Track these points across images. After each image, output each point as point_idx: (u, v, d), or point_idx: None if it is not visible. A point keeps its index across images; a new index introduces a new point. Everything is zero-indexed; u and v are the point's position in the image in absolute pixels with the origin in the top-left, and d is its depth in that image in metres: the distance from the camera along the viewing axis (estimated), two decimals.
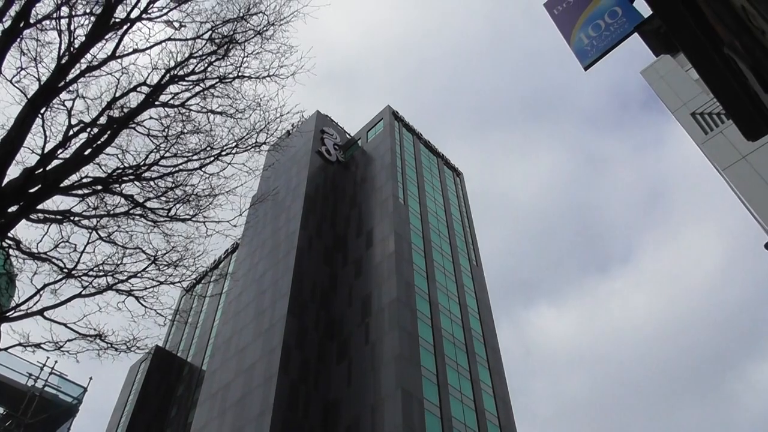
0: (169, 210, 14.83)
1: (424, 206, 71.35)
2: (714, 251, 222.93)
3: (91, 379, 35.13)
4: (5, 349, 12.91)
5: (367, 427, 47.55)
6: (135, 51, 16.12)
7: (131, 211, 15.09)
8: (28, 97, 13.42)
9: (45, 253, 13.28)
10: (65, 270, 13.67)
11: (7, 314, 12.39)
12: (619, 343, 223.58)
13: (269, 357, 54.01)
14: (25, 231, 25.67)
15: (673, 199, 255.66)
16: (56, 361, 30.68)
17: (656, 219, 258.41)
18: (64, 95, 14.77)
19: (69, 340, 13.53)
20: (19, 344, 12.82)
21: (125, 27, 15.70)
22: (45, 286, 13.10)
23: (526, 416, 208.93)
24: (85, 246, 13.71)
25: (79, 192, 14.00)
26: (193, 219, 15.95)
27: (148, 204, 14.81)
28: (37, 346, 13.05)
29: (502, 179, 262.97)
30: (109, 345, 14.26)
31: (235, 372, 57.38)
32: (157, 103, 15.87)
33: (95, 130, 14.91)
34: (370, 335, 54.56)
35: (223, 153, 15.91)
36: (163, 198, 14.93)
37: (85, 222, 14.82)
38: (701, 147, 22.21)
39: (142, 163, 14.29)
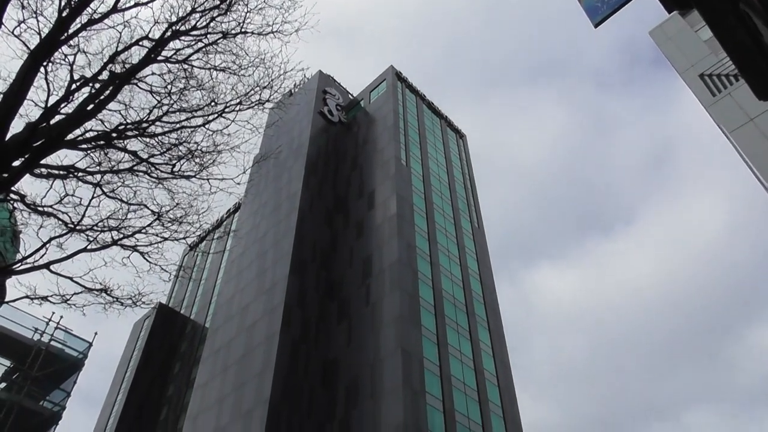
0: (173, 166, 14.79)
1: (426, 168, 71.14)
2: (718, 215, 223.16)
3: (96, 334, 35.63)
4: (12, 302, 13.04)
5: (366, 386, 48.40)
6: (136, 4, 15.84)
7: (135, 168, 15.06)
8: (30, 49, 13.24)
9: (51, 206, 13.29)
10: (70, 225, 13.70)
11: (14, 267, 12.47)
12: (618, 305, 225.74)
13: (270, 316, 54.65)
14: (30, 187, 25.67)
15: (678, 161, 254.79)
16: (61, 316, 31.08)
17: (661, 181, 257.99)
18: (65, 49, 14.59)
19: (75, 294, 13.67)
20: (26, 297, 12.96)
21: None
22: (51, 239, 13.16)
23: (525, 376, 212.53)
24: (90, 201, 13.73)
25: (84, 146, 13.93)
26: (197, 176, 15.93)
27: (152, 160, 14.76)
28: (44, 298, 13.17)
29: (507, 140, 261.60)
30: (115, 299, 14.41)
31: (237, 330, 58.16)
32: (159, 58, 15.67)
33: (97, 85, 14.77)
34: (370, 296, 55.07)
35: (227, 110, 15.78)
36: (167, 155, 14.88)
37: (89, 178, 14.81)
38: (708, 109, 21.98)
39: (145, 119, 14.16)
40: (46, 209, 13.57)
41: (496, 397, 54.26)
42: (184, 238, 15.51)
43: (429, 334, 52.06)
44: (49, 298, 13.15)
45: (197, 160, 15.59)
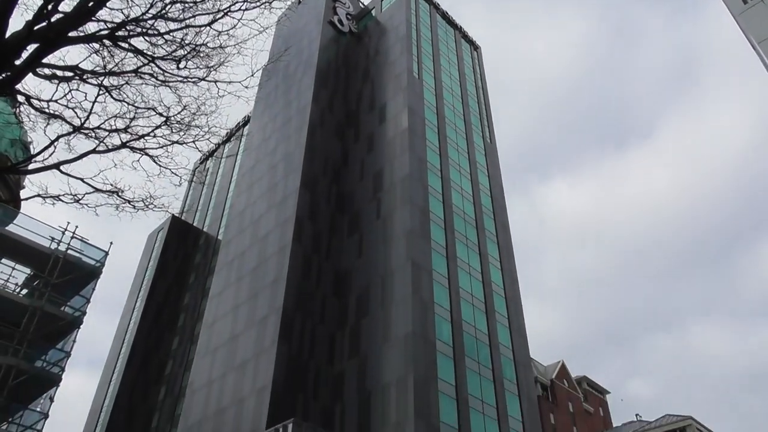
0: (179, 63, 14.40)
1: (438, 81, 69.59)
2: (739, 130, 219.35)
3: (111, 243, 36.34)
4: (25, 200, 13.16)
5: (377, 296, 49.58)
6: None
7: (140, 70, 14.73)
8: None
9: (56, 100, 13.11)
10: (76, 124, 13.57)
11: (23, 167, 12.47)
12: (630, 219, 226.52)
13: (282, 228, 55.34)
14: (36, 90, 25.36)
15: (701, 74, 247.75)
16: (77, 226, 31.53)
17: (683, 94, 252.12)
18: None
19: (87, 193, 13.75)
20: (38, 195, 13.07)
21: None
22: (58, 137, 13.10)
23: (534, 288, 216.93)
24: (95, 99, 13.52)
25: (87, 43, 13.56)
26: (205, 79, 15.60)
27: (158, 62, 14.39)
28: (56, 198, 13.27)
29: (525, 51, 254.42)
30: (126, 201, 14.49)
31: (249, 242, 59.13)
32: None
33: None
34: (381, 210, 55.39)
35: (233, 8, 15.21)
36: (174, 55, 14.46)
37: (94, 81, 14.53)
38: (738, 18, 21.02)
39: (147, 11, 13.66)
40: (52, 111, 13.42)
41: (503, 308, 55.57)
42: (193, 142, 15.41)
43: (438, 248, 52.70)
44: (61, 197, 13.26)
45: (204, 62, 15.23)
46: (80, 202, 13.60)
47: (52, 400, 29.08)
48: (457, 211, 58.22)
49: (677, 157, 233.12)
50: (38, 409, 29.09)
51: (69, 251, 31.12)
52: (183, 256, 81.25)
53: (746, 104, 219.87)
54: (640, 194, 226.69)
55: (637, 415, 72.84)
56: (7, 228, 29.58)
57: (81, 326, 31.12)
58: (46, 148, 12.69)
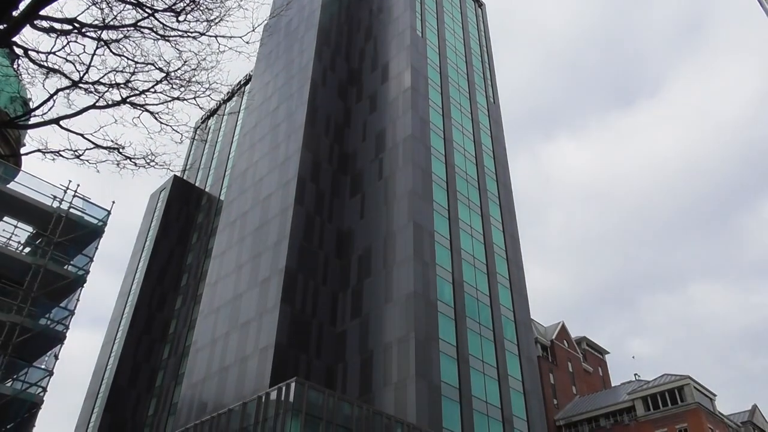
0: (178, 15, 13.98)
1: (442, 40, 68.42)
2: (748, 88, 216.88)
3: (113, 203, 36.27)
4: (25, 155, 12.95)
5: (379, 257, 49.72)
6: None
7: (139, 24, 14.33)
8: None
9: (54, 52, 12.77)
10: (75, 79, 13.26)
11: (23, 120, 12.23)
12: (635, 179, 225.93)
13: (285, 189, 55.17)
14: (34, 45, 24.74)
15: (711, 31, 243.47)
16: (78, 185, 31.30)
17: (691, 51, 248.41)
18: None
19: (87, 149, 13.53)
20: (39, 150, 12.85)
21: None
22: (57, 91, 12.81)
23: (537, 249, 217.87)
24: (94, 52, 13.18)
25: None
26: (205, 34, 15.19)
27: (157, 15, 13.96)
28: (57, 153, 13.06)
29: (529, 5, 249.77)
30: (127, 158, 14.28)
31: (252, 202, 59.03)
32: None
33: None
34: (383, 170, 55.11)
35: None
36: (173, 8, 14.02)
37: (92, 34, 14.15)
38: None
39: None
40: (50, 65, 13.10)
41: (504, 269, 55.80)
42: (194, 99, 15.09)
43: (440, 209, 52.61)
44: (62, 153, 13.05)
45: (204, 16, 14.79)
46: (81, 157, 13.40)
47: (56, 357, 29.33)
48: (459, 172, 57.93)
49: (683, 114, 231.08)
50: (43, 367, 29.37)
51: (71, 210, 30.98)
52: (185, 216, 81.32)
53: (755, 60, 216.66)
54: (646, 153, 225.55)
55: (635, 374, 73.85)
56: (8, 186, 29.41)
57: (84, 285, 31.19)
58: (45, 101, 12.42)
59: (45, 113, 12.65)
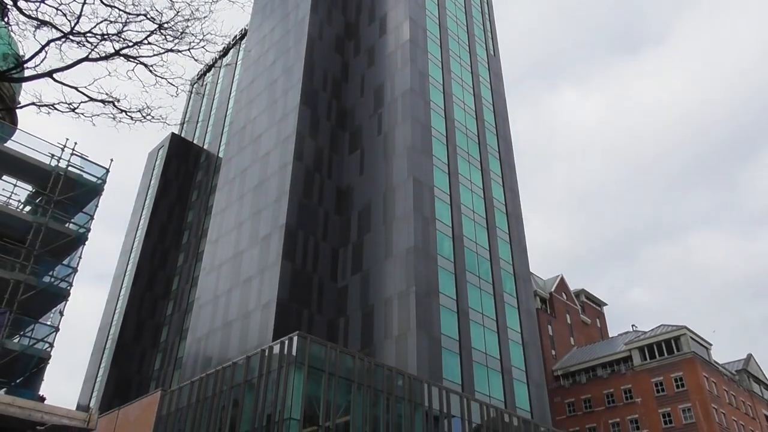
0: None
1: None
2: (757, 36, 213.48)
3: (112, 161, 36.13)
4: (21, 107, 12.82)
5: (378, 212, 49.82)
6: None
7: None
8: None
9: (44, 1, 12.49)
10: (67, 30, 13.03)
11: (15, 73, 12.07)
12: (639, 129, 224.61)
13: (283, 145, 54.87)
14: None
15: None
16: (76, 143, 31.11)
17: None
18: None
19: (82, 102, 13.38)
20: (33, 104, 12.71)
21: None
22: (49, 42, 12.59)
23: (538, 202, 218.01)
24: (84, 1, 12.87)
25: None
26: None
27: None
28: (51, 106, 12.92)
29: None
30: (122, 111, 14.13)
31: (251, 159, 58.79)
32: None
33: None
34: (382, 126, 54.70)
35: None
36: None
37: None
38: None
39: None
40: (41, 16, 12.83)
41: (504, 224, 55.99)
42: (188, 50, 14.84)
43: (440, 164, 52.45)
44: (56, 106, 12.91)
45: None
46: (76, 111, 13.24)
47: (61, 314, 29.70)
48: (459, 127, 57.52)
49: (690, 64, 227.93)
50: (49, 323, 29.77)
51: (69, 168, 30.89)
52: (184, 174, 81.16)
53: (763, 7, 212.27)
54: (650, 104, 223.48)
55: (633, 325, 74.96)
56: (5, 144, 29.25)
57: (86, 242, 31.34)
58: (37, 53, 12.19)
59: (37, 65, 12.49)
